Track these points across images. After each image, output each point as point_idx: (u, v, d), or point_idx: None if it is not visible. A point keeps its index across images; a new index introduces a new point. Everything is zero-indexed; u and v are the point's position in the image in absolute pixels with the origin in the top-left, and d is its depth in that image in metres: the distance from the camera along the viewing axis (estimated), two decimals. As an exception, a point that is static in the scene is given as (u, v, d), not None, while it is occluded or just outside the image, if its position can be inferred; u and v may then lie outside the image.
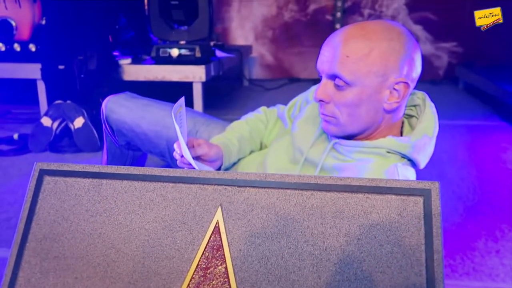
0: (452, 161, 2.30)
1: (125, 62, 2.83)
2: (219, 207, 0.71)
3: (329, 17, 4.15)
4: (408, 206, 0.68)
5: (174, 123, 0.91)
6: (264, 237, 0.69)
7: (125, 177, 0.74)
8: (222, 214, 0.71)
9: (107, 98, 1.45)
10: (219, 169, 1.22)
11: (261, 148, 1.36)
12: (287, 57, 4.33)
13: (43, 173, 0.76)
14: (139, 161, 1.77)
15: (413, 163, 1.06)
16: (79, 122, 2.44)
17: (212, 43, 3.66)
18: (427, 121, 1.07)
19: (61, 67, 2.55)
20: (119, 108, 1.41)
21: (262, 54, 4.36)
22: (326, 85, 1.02)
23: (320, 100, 1.03)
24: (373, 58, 0.96)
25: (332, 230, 0.68)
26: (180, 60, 2.75)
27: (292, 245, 0.68)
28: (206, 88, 2.92)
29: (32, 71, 2.85)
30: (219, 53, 3.30)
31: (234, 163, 1.28)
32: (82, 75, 2.52)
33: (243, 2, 4.28)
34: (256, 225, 0.70)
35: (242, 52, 3.85)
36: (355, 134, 1.06)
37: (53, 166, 0.76)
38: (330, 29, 4.11)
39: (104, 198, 0.74)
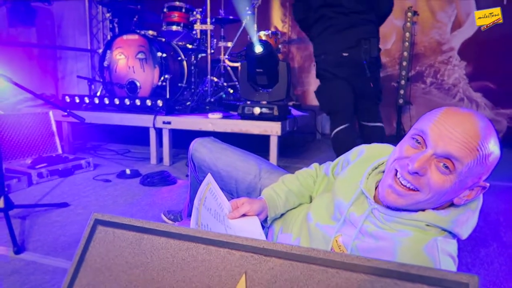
0: (509, 223, 1.95)
1: (216, 116, 2.85)
2: (244, 274, 0.59)
3: (394, 84, 3.93)
4: (441, 300, 0.51)
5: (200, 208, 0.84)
6: (284, 313, 0.56)
7: (164, 234, 0.65)
8: (246, 283, 0.58)
9: (194, 140, 1.43)
10: (265, 219, 1.11)
11: (310, 201, 1.22)
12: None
13: (97, 222, 0.69)
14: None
15: (454, 235, 0.85)
16: None
17: (291, 103, 3.61)
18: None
19: None
20: (202, 149, 1.39)
21: (334, 113, 4.22)
22: (429, 159, 0.78)
23: (415, 172, 0.78)
24: (490, 163, 0.78)
25: (355, 316, 0.53)
26: (261, 117, 2.74)
27: (312, 325, 0.54)
28: (283, 139, 2.83)
29: (147, 120, 2.97)
30: (295, 112, 3.23)
31: (282, 214, 1.16)
32: None
33: (320, 69, 4.21)
34: (278, 299, 0.57)
35: (316, 111, 3.76)
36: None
37: (106, 217, 0.69)
38: (395, 93, 3.89)
39: (142, 252, 0.65)
